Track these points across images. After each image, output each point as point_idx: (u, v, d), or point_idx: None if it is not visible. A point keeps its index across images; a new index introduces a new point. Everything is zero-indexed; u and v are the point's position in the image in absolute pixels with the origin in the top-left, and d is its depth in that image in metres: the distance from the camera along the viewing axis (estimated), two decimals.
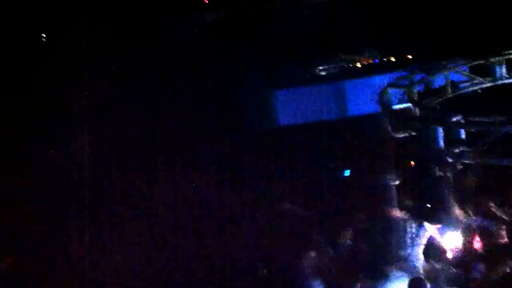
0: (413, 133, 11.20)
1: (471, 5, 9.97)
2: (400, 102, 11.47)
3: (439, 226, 10.73)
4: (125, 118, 10.85)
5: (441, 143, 10.97)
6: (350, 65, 11.59)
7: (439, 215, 10.74)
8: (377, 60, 11.32)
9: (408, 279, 10.03)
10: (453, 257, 10.15)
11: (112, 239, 10.72)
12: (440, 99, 11.44)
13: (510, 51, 11.20)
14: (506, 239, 10.24)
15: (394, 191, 11.19)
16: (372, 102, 11.64)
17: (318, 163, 11.72)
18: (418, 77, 11.59)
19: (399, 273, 10.21)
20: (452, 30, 10.16)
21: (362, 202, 11.40)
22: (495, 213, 10.52)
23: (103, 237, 10.70)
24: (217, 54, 11.06)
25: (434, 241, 10.51)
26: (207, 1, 10.59)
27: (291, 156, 11.70)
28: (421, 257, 10.36)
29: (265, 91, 11.90)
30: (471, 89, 11.48)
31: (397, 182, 11.25)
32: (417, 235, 10.84)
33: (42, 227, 10.68)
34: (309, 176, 11.71)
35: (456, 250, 10.54)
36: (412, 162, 11.17)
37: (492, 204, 10.59)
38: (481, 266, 10.00)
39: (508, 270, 9.92)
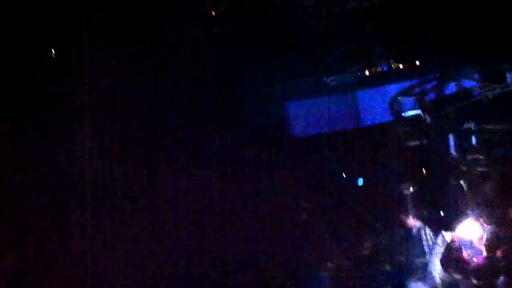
0: (426, 141, 11.21)
1: (483, 11, 9.90)
2: (412, 110, 11.53)
3: (456, 235, 10.74)
4: (126, 112, 10.78)
5: (454, 151, 10.97)
6: (360, 73, 11.55)
7: (454, 224, 10.73)
8: (385, 67, 11.27)
9: None
10: (473, 268, 10.09)
11: (113, 233, 10.69)
12: (453, 107, 11.36)
13: None
14: None
15: (408, 200, 11.18)
16: (384, 111, 11.63)
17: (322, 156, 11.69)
18: (430, 85, 11.56)
19: (416, 284, 10.20)
20: (464, 37, 10.09)
21: (376, 211, 11.41)
22: None
23: (105, 231, 10.67)
24: (219, 47, 10.99)
25: (452, 250, 10.47)
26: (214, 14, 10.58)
27: (294, 149, 11.68)
28: (439, 267, 10.32)
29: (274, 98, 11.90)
30: (483, 96, 11.32)
31: (410, 191, 11.23)
32: (434, 245, 10.82)
33: (44, 221, 10.64)
34: (311, 169, 11.70)
35: (477, 260, 10.42)
36: (425, 171, 11.16)
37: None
38: (504, 279, 9.94)
39: None
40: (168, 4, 10.60)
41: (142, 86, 10.82)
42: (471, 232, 10.63)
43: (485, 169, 10.87)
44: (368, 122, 12.19)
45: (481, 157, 10.81)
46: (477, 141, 10.93)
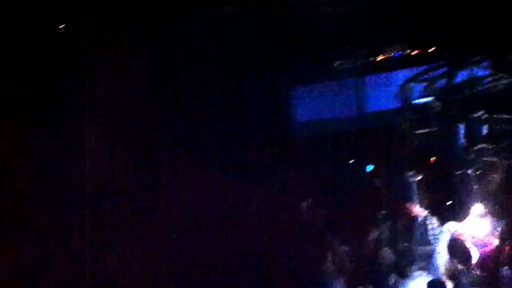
0: (434, 129, 11.12)
1: None
2: (421, 97, 11.43)
3: (462, 225, 10.64)
4: (127, 109, 10.71)
5: (463, 140, 10.89)
6: (370, 59, 11.43)
7: (460, 213, 10.65)
8: (397, 54, 11.14)
9: (428, 278, 9.94)
10: (478, 259, 10.00)
11: (113, 232, 10.63)
12: (462, 95, 11.18)
13: None
14: None
15: (414, 188, 11.09)
16: (392, 97, 11.53)
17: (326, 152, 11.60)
18: (439, 72, 11.40)
19: (419, 272, 10.12)
20: (476, 23, 9.97)
21: (383, 198, 11.31)
22: None
23: (104, 229, 10.61)
24: (223, 44, 10.90)
25: (457, 240, 10.39)
26: None
27: (298, 149, 11.59)
28: (443, 256, 10.24)
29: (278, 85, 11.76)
30: (494, 84, 11.21)
31: (418, 179, 11.14)
32: (439, 234, 10.73)
33: (43, 219, 10.59)
34: (314, 168, 11.60)
35: (482, 252, 10.39)
36: (433, 158, 11.06)
37: None
38: (508, 270, 9.84)
39: None
40: (171, 1, 10.53)
41: (144, 83, 10.74)
42: (477, 222, 10.53)
43: (493, 159, 10.75)
44: (375, 109, 12.07)
45: (490, 146, 10.71)
46: (486, 130, 10.84)
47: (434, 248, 10.56)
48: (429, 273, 10.19)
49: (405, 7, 10.52)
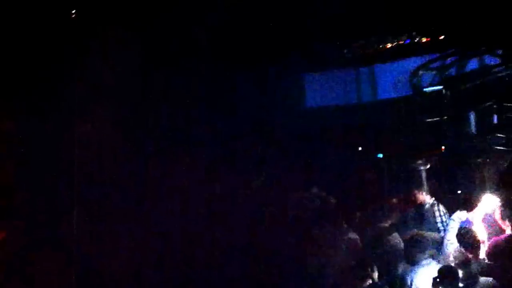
0: (445, 118, 11.10)
1: None
2: (432, 85, 11.34)
3: (471, 214, 10.54)
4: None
5: (473, 128, 10.82)
6: (380, 46, 11.29)
7: (469, 202, 10.67)
8: (408, 41, 11.01)
9: (438, 266, 9.88)
10: (487, 248, 9.94)
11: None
12: (473, 83, 11.10)
13: None
14: None
15: (424, 176, 11.02)
16: (403, 85, 11.42)
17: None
18: (451, 60, 11.31)
19: (429, 260, 10.07)
20: (487, 12, 9.85)
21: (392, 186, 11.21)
22: None
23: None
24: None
25: (467, 229, 10.30)
26: None
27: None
28: (452, 245, 10.17)
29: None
30: (505, 73, 10.98)
31: (427, 167, 11.05)
32: (448, 222, 10.65)
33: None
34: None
35: (491, 240, 10.12)
36: (443, 147, 10.96)
37: None
38: None
39: None
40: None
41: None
42: (487, 211, 10.45)
43: (504, 148, 10.74)
44: (387, 96, 12.06)
45: (500, 135, 10.68)
46: (497, 119, 10.74)
47: (444, 237, 10.50)
48: (438, 261, 10.14)
49: None
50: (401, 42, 11.33)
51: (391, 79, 11.85)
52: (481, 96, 10.82)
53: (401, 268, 10.51)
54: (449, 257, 10.17)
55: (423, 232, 10.69)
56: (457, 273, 9.64)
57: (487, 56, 11.07)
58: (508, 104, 10.52)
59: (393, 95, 11.83)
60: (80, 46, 10.41)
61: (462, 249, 10.03)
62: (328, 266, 10.56)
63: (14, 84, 10.37)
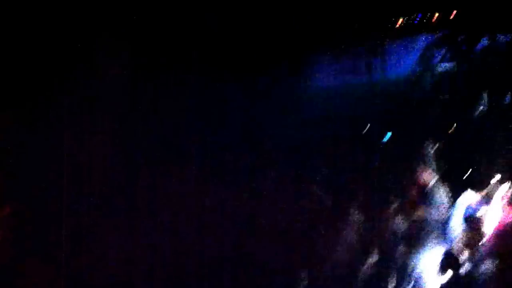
0: (456, 96, 10.97)
1: None
2: (442, 62, 11.12)
3: (480, 194, 10.47)
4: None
5: (485, 107, 10.71)
6: (390, 23, 11.09)
7: (480, 183, 10.48)
8: (420, 15, 10.82)
9: (444, 248, 9.77)
10: (495, 230, 9.77)
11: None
12: (485, 61, 10.77)
13: None
14: None
15: (433, 156, 10.87)
16: (413, 62, 11.25)
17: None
18: (462, 37, 10.97)
19: (435, 242, 9.94)
20: None
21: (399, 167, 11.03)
22: None
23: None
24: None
25: (473, 212, 10.29)
26: None
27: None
28: (458, 225, 10.03)
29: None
30: None
31: (437, 146, 10.90)
32: (456, 203, 10.50)
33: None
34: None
35: (499, 223, 10.02)
36: (454, 126, 10.79)
37: None
38: None
39: None
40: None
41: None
42: (497, 192, 10.27)
43: None
44: (396, 73, 11.88)
45: None
46: (509, 98, 10.52)
47: (451, 218, 10.37)
48: (444, 243, 10.02)
49: None
50: (411, 19, 11.12)
51: (402, 56, 11.60)
52: (493, 74, 10.75)
53: (405, 251, 10.39)
54: (456, 239, 10.06)
55: (428, 214, 10.53)
56: (462, 257, 9.54)
57: (498, 34, 10.88)
58: None
59: (403, 72, 11.58)
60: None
61: (470, 231, 9.93)
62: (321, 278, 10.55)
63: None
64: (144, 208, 10.81)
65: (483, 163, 10.46)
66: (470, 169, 10.50)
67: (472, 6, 10.56)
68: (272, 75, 11.05)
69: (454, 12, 10.82)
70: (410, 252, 10.37)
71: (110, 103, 10.68)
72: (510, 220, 9.85)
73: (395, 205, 10.78)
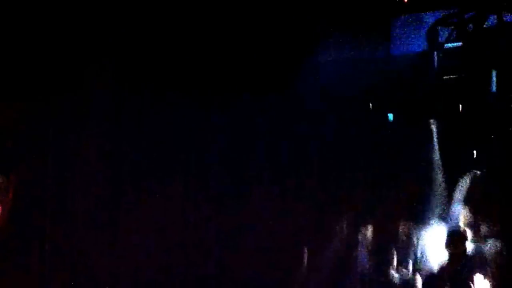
0: (463, 75, 10.74)
1: None
2: (450, 41, 10.95)
3: (486, 175, 10.34)
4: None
5: (494, 88, 10.67)
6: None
7: (486, 163, 10.39)
8: None
9: (447, 227, 9.79)
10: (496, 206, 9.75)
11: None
12: (493, 40, 10.54)
13: None
14: None
15: (439, 135, 10.75)
16: (420, 40, 11.20)
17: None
18: (470, 15, 10.76)
19: (438, 223, 9.91)
20: None
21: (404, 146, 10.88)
22: None
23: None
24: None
25: (480, 188, 10.20)
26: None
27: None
28: (463, 205, 10.00)
29: None
30: None
31: (443, 126, 10.79)
32: (460, 183, 10.48)
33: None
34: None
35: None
36: (461, 107, 10.71)
37: None
38: None
39: None
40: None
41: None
42: (503, 172, 10.25)
43: None
44: (402, 52, 11.52)
45: None
46: None
47: (454, 196, 10.35)
48: (448, 221, 10.02)
49: None
50: None
51: (407, 33, 11.41)
52: (501, 54, 10.47)
53: (407, 228, 10.38)
54: (459, 218, 10.05)
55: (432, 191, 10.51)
56: (466, 234, 9.52)
57: (506, 13, 10.74)
58: None
59: (409, 50, 11.42)
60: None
61: (472, 210, 9.93)
62: None
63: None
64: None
65: (490, 143, 10.30)
66: (477, 149, 10.36)
67: None
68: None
69: None
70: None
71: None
72: None
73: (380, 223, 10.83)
